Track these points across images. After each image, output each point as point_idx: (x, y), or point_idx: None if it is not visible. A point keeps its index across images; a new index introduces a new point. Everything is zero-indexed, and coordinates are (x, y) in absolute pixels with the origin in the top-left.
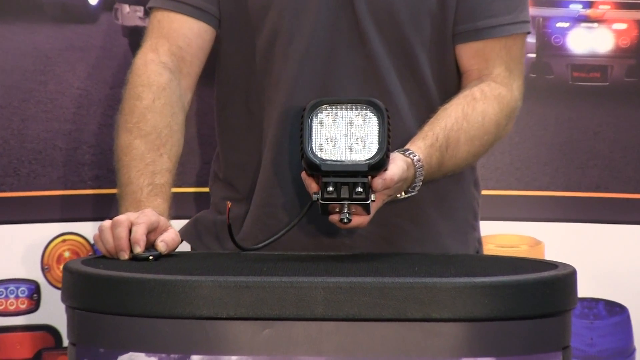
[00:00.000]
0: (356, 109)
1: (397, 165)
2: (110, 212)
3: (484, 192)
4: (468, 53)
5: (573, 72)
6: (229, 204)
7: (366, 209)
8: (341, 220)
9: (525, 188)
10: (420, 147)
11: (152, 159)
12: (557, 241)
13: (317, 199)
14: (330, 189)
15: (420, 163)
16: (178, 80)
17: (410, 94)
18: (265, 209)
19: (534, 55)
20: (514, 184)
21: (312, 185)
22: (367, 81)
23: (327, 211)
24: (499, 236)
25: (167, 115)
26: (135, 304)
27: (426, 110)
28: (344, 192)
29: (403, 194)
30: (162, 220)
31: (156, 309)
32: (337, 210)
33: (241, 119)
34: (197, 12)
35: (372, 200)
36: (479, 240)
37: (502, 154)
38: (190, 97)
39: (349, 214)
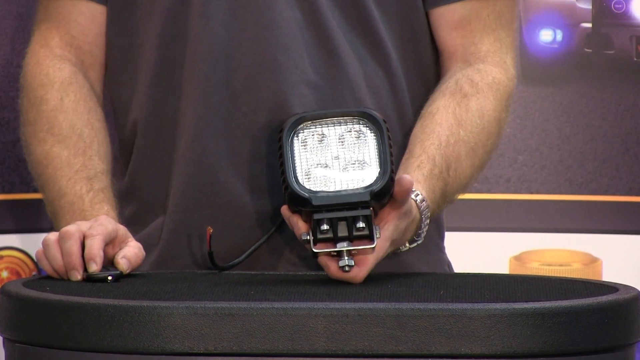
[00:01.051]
0: (346, 123)
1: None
2: None
3: (526, 196)
4: (447, 22)
5: (639, 47)
6: (210, 229)
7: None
8: (342, 268)
9: (579, 192)
10: (419, 181)
11: (81, 163)
12: (618, 258)
13: (309, 241)
14: (325, 227)
15: (425, 203)
16: (83, 72)
17: (363, 61)
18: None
19: (589, 25)
20: (564, 187)
21: (298, 224)
22: (312, 39)
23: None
24: (546, 252)
25: (82, 113)
26: (90, 336)
27: (387, 85)
28: (342, 230)
29: (407, 244)
30: (121, 229)
31: (116, 342)
32: (333, 254)
33: (145, 111)
34: None
35: (378, 237)
36: (449, 265)
37: (549, 149)
38: (101, 90)
39: (350, 259)
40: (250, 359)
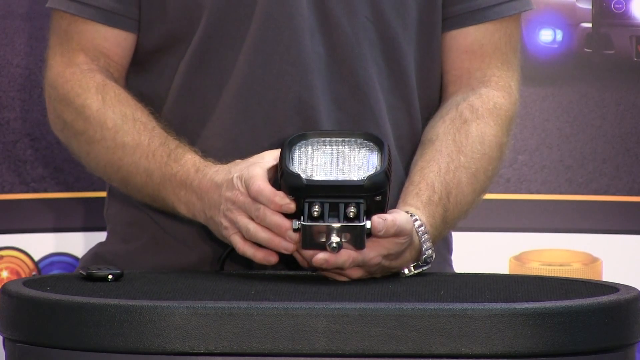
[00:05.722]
0: (349, 143)
1: (402, 214)
2: (59, 220)
3: (525, 196)
4: (459, 45)
5: (639, 47)
6: None
7: (359, 240)
8: (329, 246)
9: (579, 192)
10: (417, 207)
11: (148, 137)
12: (618, 258)
13: (299, 226)
14: (316, 209)
15: (424, 228)
16: (114, 80)
17: (387, 93)
18: None
19: (589, 25)
20: (564, 187)
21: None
22: (336, 75)
23: (310, 243)
24: (546, 252)
25: (128, 103)
26: (90, 335)
27: (405, 117)
28: (332, 217)
29: (412, 268)
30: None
31: (117, 342)
32: (324, 240)
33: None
34: (110, 18)
35: (369, 229)
36: None
37: (549, 149)
38: None
39: (339, 238)
40: (250, 358)
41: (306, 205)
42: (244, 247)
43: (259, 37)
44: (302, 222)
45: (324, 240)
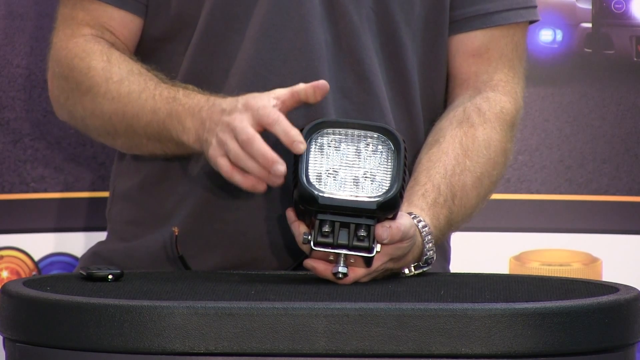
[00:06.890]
0: (365, 137)
1: (405, 218)
2: (59, 220)
3: (525, 196)
4: (466, 49)
5: (639, 47)
6: (176, 230)
7: (368, 262)
8: (335, 275)
9: (579, 192)
10: (422, 209)
11: (154, 82)
12: (618, 258)
13: (309, 241)
14: (327, 229)
15: (427, 229)
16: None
17: (386, 87)
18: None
19: (589, 25)
20: (564, 187)
21: (300, 229)
22: (343, 62)
23: (317, 257)
24: (546, 252)
25: (133, 62)
26: (90, 335)
27: (403, 113)
28: (343, 236)
29: (412, 269)
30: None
31: (117, 342)
32: (331, 258)
33: None
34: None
35: (377, 252)
36: None
37: (549, 149)
38: None
39: (345, 266)
40: (250, 358)
41: (317, 222)
42: (232, 172)
43: (267, 21)
44: (313, 247)
45: (331, 258)
